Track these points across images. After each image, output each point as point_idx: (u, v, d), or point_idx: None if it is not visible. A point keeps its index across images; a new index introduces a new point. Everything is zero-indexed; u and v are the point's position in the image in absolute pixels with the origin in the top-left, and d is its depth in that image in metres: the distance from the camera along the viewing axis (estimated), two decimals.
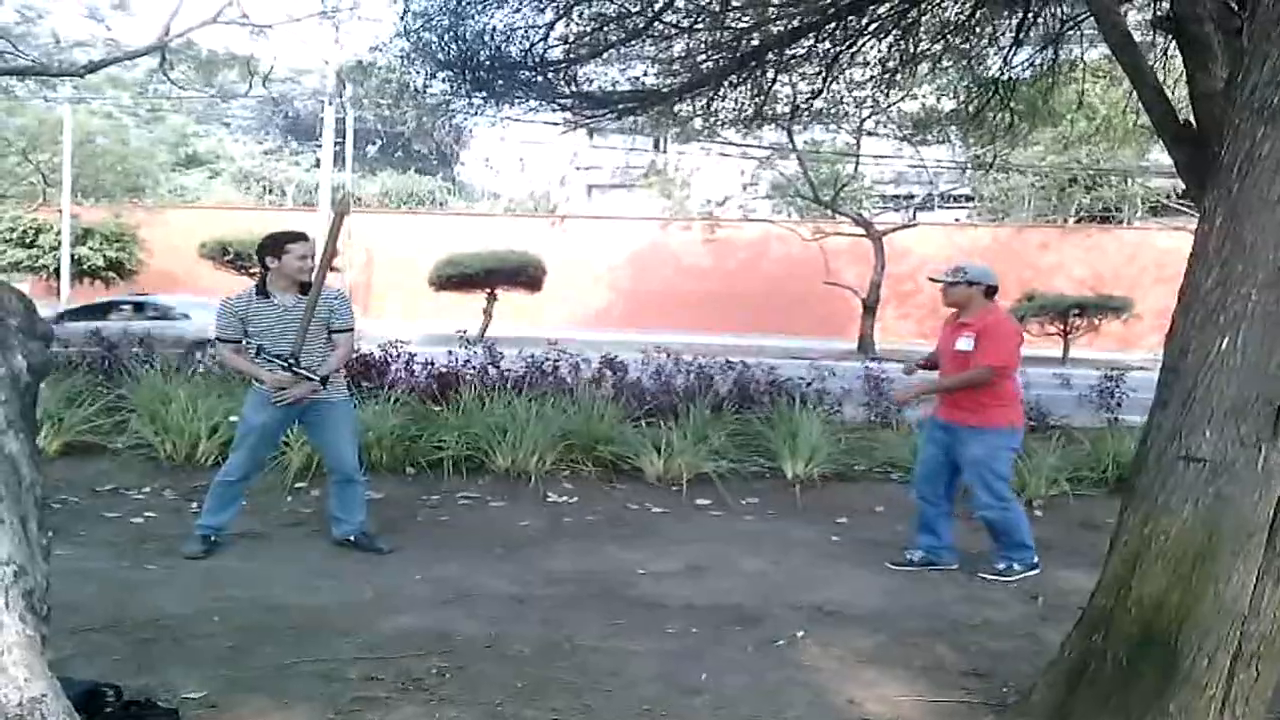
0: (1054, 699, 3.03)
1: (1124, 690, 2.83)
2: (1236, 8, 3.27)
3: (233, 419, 6.86)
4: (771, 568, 5.18)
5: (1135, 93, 3.75)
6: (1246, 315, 2.69)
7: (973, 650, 4.00)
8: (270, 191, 37.87)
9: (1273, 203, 2.67)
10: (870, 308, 22.47)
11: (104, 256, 25.31)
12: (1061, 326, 21.60)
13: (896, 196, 30.73)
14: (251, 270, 24.20)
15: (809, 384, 8.51)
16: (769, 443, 7.17)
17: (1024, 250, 28.06)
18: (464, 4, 6.80)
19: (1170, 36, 4.28)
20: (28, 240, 25.39)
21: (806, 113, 9.87)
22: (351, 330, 5.16)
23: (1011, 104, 7.82)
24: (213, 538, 5.11)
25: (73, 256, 24.14)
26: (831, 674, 3.70)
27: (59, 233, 24.20)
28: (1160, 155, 19.38)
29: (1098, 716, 2.87)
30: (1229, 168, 2.77)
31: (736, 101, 8.70)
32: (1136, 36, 4.91)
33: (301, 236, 5.09)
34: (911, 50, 7.51)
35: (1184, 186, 3.60)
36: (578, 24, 7.17)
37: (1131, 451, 5.05)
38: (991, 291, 5.17)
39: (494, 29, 6.91)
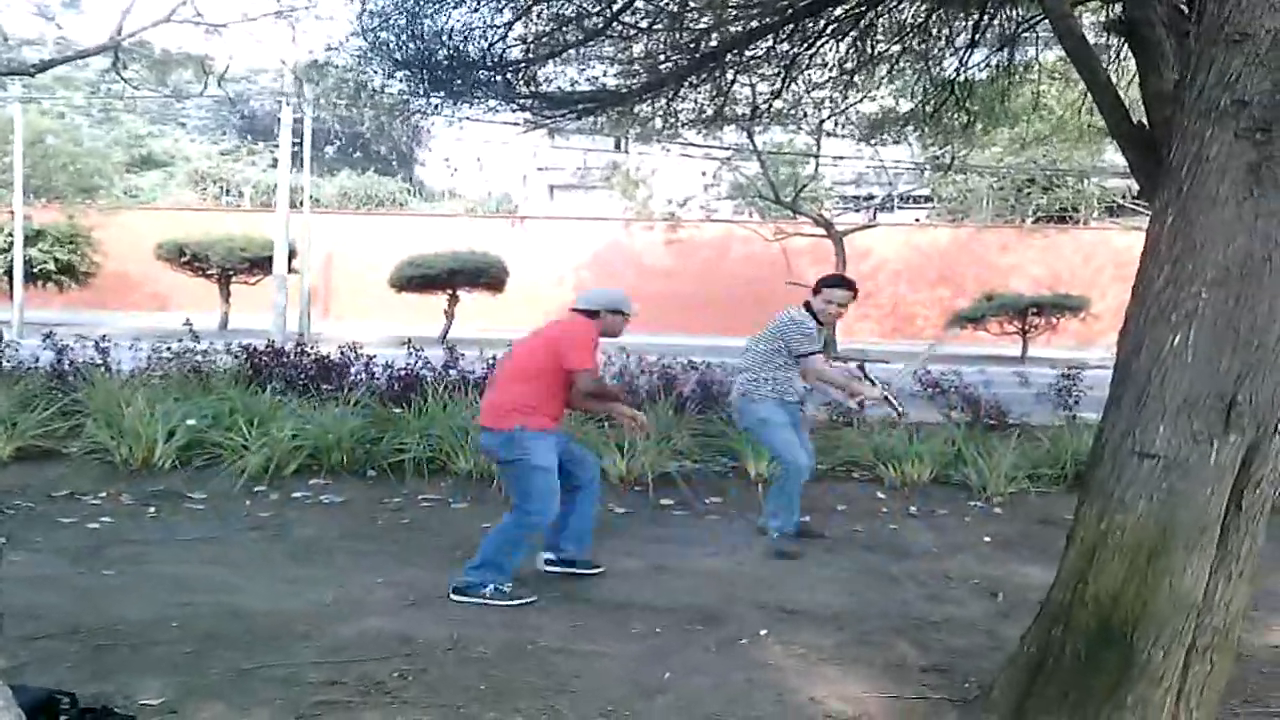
0: (1014, 693, 3.07)
1: (1082, 683, 2.87)
2: (1186, 12, 3.32)
3: (190, 422, 6.79)
4: (735, 567, 5.20)
5: (1089, 94, 3.80)
6: (1197, 313, 2.74)
7: (934, 647, 4.04)
8: (227, 192, 37.39)
9: (1221, 202, 2.72)
10: None
11: (55, 259, 24.83)
12: (1020, 325, 21.82)
13: (856, 197, 30.95)
14: (209, 272, 23.92)
15: None
16: (732, 442, 7.20)
17: (983, 250, 28.36)
18: (421, 3, 6.77)
19: (1123, 39, 4.33)
20: None
21: (766, 114, 9.91)
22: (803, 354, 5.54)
23: (968, 105, 7.90)
24: None
25: (24, 259, 23.65)
26: (794, 672, 3.72)
27: (10, 234, 23.70)
28: (1116, 156, 19.63)
29: (1057, 709, 2.91)
30: (1178, 168, 2.82)
31: (696, 102, 8.74)
32: (1090, 39, 4.97)
33: (850, 286, 5.64)
34: (869, 52, 7.56)
35: (1138, 187, 3.65)
36: (536, 24, 7.15)
37: (1089, 448, 5.13)
38: (594, 314, 5.16)
39: (452, 28, 6.89)
